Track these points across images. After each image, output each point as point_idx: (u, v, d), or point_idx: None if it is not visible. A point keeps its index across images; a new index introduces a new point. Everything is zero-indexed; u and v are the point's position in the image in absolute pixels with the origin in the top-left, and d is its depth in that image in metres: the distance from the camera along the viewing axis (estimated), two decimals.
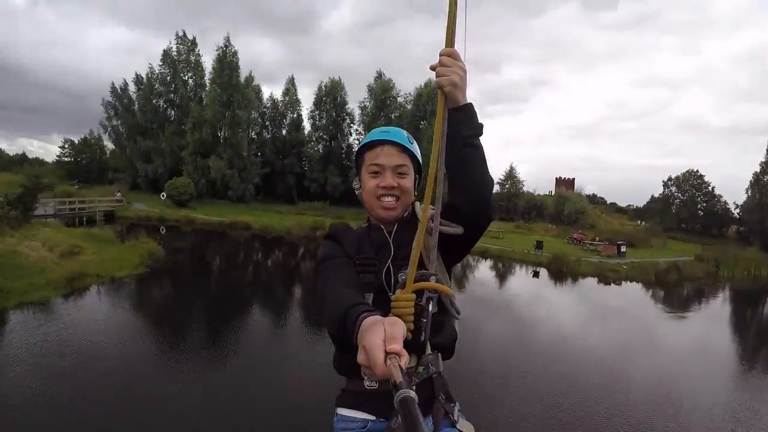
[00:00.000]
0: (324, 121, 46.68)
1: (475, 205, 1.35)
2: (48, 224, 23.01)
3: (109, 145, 51.07)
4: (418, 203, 1.48)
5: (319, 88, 46.31)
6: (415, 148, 1.51)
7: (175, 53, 44.90)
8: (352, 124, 47.68)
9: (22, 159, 76.73)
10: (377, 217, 1.52)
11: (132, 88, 46.90)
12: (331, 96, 44.86)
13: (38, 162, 71.25)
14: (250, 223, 31.68)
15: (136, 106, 46.01)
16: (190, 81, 45.63)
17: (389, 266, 1.41)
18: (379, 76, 45.07)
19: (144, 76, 45.70)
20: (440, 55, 1.28)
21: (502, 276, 22.81)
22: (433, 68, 1.29)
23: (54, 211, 28.69)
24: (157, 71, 45.26)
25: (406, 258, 1.33)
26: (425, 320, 1.29)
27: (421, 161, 1.54)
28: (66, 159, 56.82)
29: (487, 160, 1.35)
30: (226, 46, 41.72)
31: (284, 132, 47.87)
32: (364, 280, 1.38)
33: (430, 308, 1.30)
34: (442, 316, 1.39)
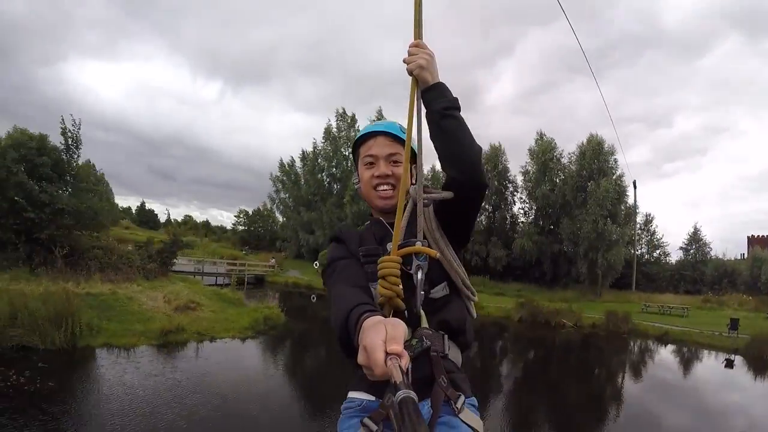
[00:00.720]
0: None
1: (464, 173, 1.47)
2: (187, 279, 24.78)
3: (280, 216, 56.60)
4: (412, 187, 1.59)
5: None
6: (418, 136, 1.58)
7: (335, 129, 48.72)
8: (515, 192, 45.19)
9: (206, 225, 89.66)
10: (376, 207, 1.70)
11: (299, 164, 52.21)
12: (491, 163, 43.20)
13: (221, 229, 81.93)
14: None
15: (302, 180, 50.44)
16: (351, 156, 48.09)
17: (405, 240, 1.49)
18: (540, 137, 42.28)
19: (310, 151, 50.49)
20: (409, 47, 1.50)
21: (684, 366, 19.16)
22: (404, 61, 1.49)
23: (201, 268, 31.04)
24: (320, 147, 49.44)
25: (407, 244, 1.45)
26: (421, 292, 1.42)
27: (415, 149, 1.61)
28: (240, 227, 63.79)
29: (468, 128, 1.48)
30: (379, 118, 43.32)
31: None
32: (369, 271, 1.48)
33: (419, 276, 1.42)
34: (453, 299, 1.57)
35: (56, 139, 18.61)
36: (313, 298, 30.41)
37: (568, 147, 42.56)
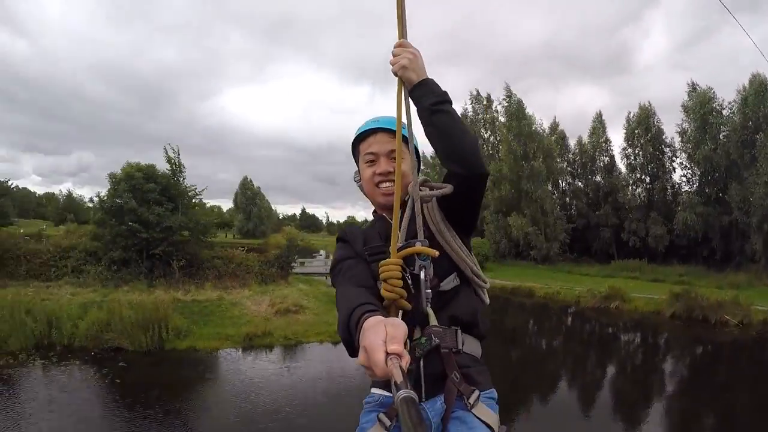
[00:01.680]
0: (640, 159, 40.97)
1: (463, 166, 1.54)
2: (311, 281, 27.41)
3: None
4: (411, 183, 1.66)
5: (628, 120, 40.98)
6: (407, 133, 1.67)
7: (471, 113, 48.61)
8: (674, 157, 39.90)
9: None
10: (379, 204, 1.80)
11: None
12: (642, 127, 38.98)
13: None
14: (534, 290, 30.17)
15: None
16: (491, 138, 48.35)
17: (398, 249, 1.56)
18: (693, 88, 36.21)
19: None
20: (393, 48, 1.59)
21: None
22: (390, 62, 1.59)
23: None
24: None
25: (412, 239, 1.55)
26: (427, 290, 1.49)
27: (417, 144, 1.80)
28: None
29: (460, 119, 1.59)
30: (509, 96, 42.68)
31: (599, 178, 44.63)
32: (375, 269, 1.53)
33: (422, 276, 1.48)
34: (463, 289, 1.66)
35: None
36: None
37: (730, 97, 35.89)
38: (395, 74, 1.57)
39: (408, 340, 1.37)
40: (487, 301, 1.75)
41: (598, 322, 22.86)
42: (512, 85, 40.72)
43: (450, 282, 1.62)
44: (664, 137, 40.59)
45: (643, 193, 42.08)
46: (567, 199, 47.63)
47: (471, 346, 1.61)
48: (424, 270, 1.49)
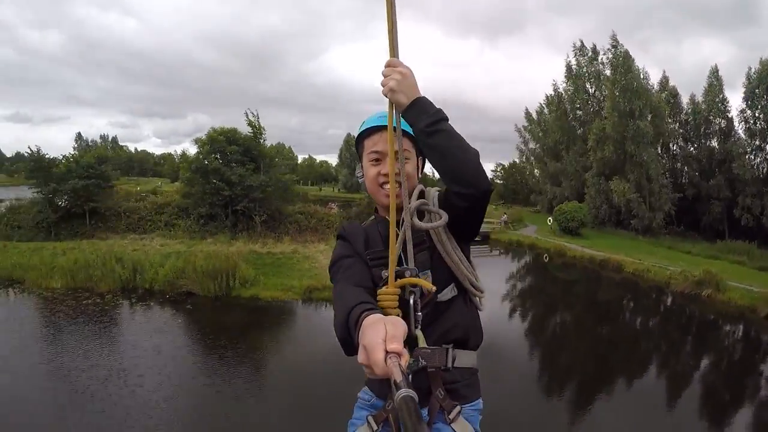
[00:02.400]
0: (761, 124, 35.37)
1: (465, 185, 1.51)
2: None
3: (535, 169, 56.94)
4: (420, 186, 1.75)
5: (747, 77, 35.43)
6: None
7: (575, 66, 45.47)
8: None
9: None
10: (381, 204, 1.77)
11: (546, 111, 50.96)
12: (764, 85, 33.76)
13: None
14: (623, 264, 27.76)
15: (547, 127, 49.70)
16: (597, 93, 44.93)
17: (401, 255, 1.61)
18: None
19: (552, 95, 48.90)
20: (383, 68, 1.54)
21: None
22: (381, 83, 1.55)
23: None
24: (561, 88, 47.40)
25: (417, 245, 1.60)
26: (417, 313, 1.52)
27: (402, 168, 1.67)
28: (498, 181, 66.38)
29: (459, 136, 1.53)
30: (614, 47, 38.81)
31: (714, 143, 39.68)
32: (377, 274, 1.60)
33: (411, 301, 1.50)
34: (460, 300, 1.69)
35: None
36: (546, 257, 30.57)
37: None
38: (385, 96, 1.53)
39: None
40: (483, 308, 1.77)
41: (683, 310, 20.84)
42: (628, 37, 36.45)
43: (447, 293, 1.64)
44: None
45: (763, 164, 36.90)
46: (677, 164, 43.04)
47: (463, 359, 1.65)
48: (413, 296, 1.51)
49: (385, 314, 1.37)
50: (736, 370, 14.11)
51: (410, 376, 1.44)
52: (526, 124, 54.62)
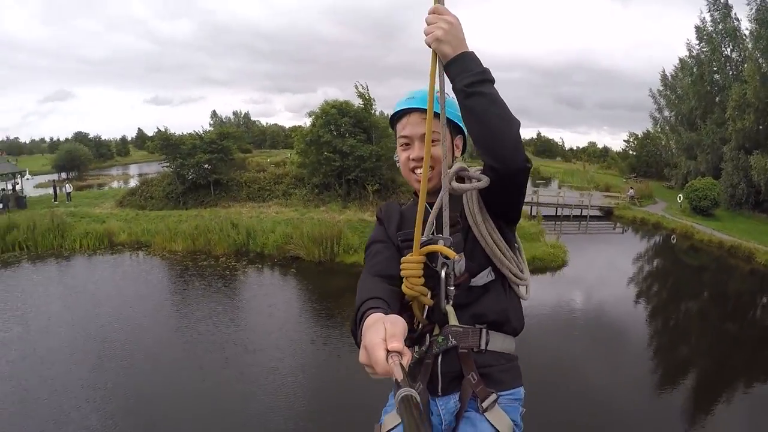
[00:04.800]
0: None
1: (499, 160, 1.36)
2: None
3: (670, 140, 51.76)
4: (460, 163, 1.59)
5: None
6: (447, 110, 1.50)
7: (710, 25, 40.38)
8: None
9: (603, 152, 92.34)
10: (415, 189, 1.69)
11: (680, 75, 46.02)
12: None
13: (622, 155, 78.50)
14: (755, 253, 23.95)
15: (683, 93, 45.05)
16: (733, 55, 39.87)
17: (432, 236, 1.51)
18: None
19: (687, 58, 44.05)
20: (427, 15, 1.41)
21: None
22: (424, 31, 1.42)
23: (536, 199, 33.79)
24: (695, 51, 42.44)
25: (449, 226, 1.47)
26: (450, 287, 1.43)
27: (458, 121, 1.59)
28: (631, 152, 62.34)
29: (502, 103, 1.36)
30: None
31: None
32: (404, 255, 1.50)
33: (443, 274, 1.41)
34: (498, 285, 1.57)
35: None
36: (673, 238, 28.24)
37: None
38: (429, 46, 1.38)
39: (428, 335, 1.50)
40: (527, 296, 1.65)
41: None
42: None
43: (483, 277, 1.53)
44: None
45: None
46: None
47: (499, 343, 1.54)
48: (445, 268, 1.41)
49: (408, 286, 1.41)
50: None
51: (440, 357, 1.49)
52: (661, 88, 49.85)
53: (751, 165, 33.76)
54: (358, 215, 22.74)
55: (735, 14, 39.10)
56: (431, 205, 1.54)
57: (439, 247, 1.40)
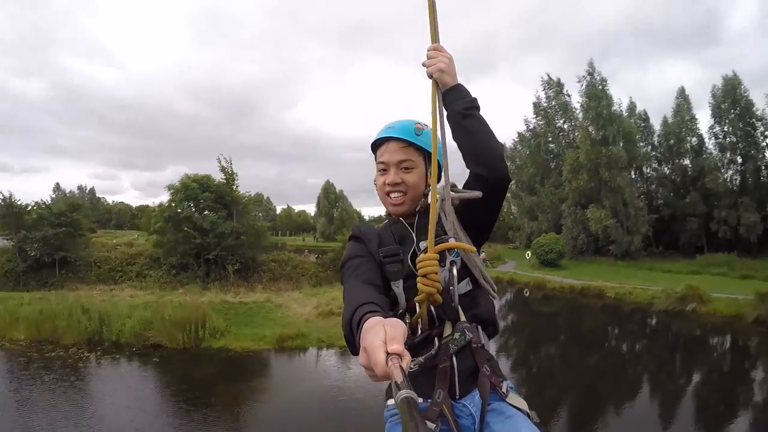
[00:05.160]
0: (730, 138, 37.76)
1: (489, 169, 1.64)
2: None
3: (513, 206, 58.09)
4: (439, 186, 1.74)
5: (713, 94, 37.78)
6: (422, 140, 1.77)
7: (544, 101, 47.63)
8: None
9: None
10: (389, 212, 1.84)
11: (519, 147, 52.92)
12: (729, 100, 36.03)
13: None
14: (604, 290, 28.29)
15: (521, 163, 51.45)
16: (565, 126, 47.17)
17: (414, 251, 1.67)
18: None
19: (525, 132, 51.01)
20: (427, 50, 1.70)
21: None
22: (424, 64, 1.70)
23: None
24: (531, 124, 49.45)
25: (441, 241, 1.61)
26: (453, 287, 1.56)
27: (431, 150, 1.74)
28: None
29: (489, 127, 1.68)
30: (590, 74, 40.29)
31: (687, 161, 41.56)
32: (391, 270, 1.63)
33: (455, 272, 1.56)
34: (476, 292, 1.69)
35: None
36: (526, 291, 30.76)
37: None
38: (430, 76, 1.67)
39: (437, 339, 1.57)
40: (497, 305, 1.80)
41: (668, 328, 21.11)
42: (599, 64, 38.19)
43: (463, 286, 1.66)
44: (755, 110, 37.21)
45: (735, 176, 38.94)
46: (652, 186, 44.80)
47: (487, 343, 1.68)
48: (455, 266, 1.56)
49: (425, 283, 1.47)
50: (729, 379, 14.22)
51: (456, 352, 1.55)
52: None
53: (588, 217, 39.20)
54: (220, 296, 21.39)
55: (567, 91, 45.86)
56: (411, 225, 1.75)
57: (456, 243, 1.58)
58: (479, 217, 1.72)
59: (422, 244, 1.63)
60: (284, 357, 16.31)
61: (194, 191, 23.61)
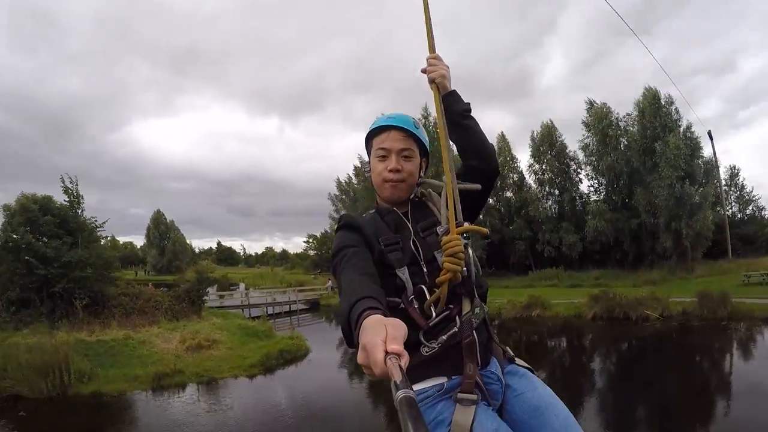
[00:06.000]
0: (548, 174, 44.58)
1: (485, 161, 1.89)
2: (227, 315, 26.96)
3: None
4: (429, 180, 1.97)
5: (532, 138, 44.86)
6: (421, 133, 1.90)
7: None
8: (579, 170, 44.19)
9: (283, 255, 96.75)
10: (385, 197, 1.91)
11: (355, 180, 55.33)
12: (546, 143, 43.05)
13: (300, 256, 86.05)
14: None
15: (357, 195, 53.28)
16: None
17: (414, 240, 1.76)
18: (591, 105, 40.86)
19: (359, 166, 53.27)
20: (427, 59, 1.89)
21: None
22: (424, 71, 1.90)
23: (247, 301, 33.50)
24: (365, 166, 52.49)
25: (426, 230, 1.78)
26: (471, 265, 1.69)
27: (427, 146, 1.95)
28: (312, 252, 68.11)
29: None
30: (425, 117, 43.80)
31: (510, 194, 47.26)
32: (393, 257, 1.69)
33: (470, 251, 1.69)
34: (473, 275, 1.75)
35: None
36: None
37: (626, 110, 41.55)
38: (432, 82, 1.85)
39: (458, 317, 1.65)
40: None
41: (522, 331, 23.62)
42: (421, 112, 41.97)
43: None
44: (568, 151, 44.26)
45: (554, 205, 45.21)
46: (480, 217, 49.22)
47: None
48: (469, 246, 1.68)
49: (453, 262, 1.58)
50: (583, 361, 17.75)
51: (475, 325, 1.65)
52: (337, 193, 57.52)
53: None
54: (74, 335, 18.70)
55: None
56: (405, 214, 1.86)
57: (474, 227, 1.76)
58: (472, 206, 1.90)
59: (440, 229, 1.73)
60: (164, 396, 14.95)
61: (35, 214, 20.41)
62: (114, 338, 18.91)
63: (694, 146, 35.50)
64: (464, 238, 1.67)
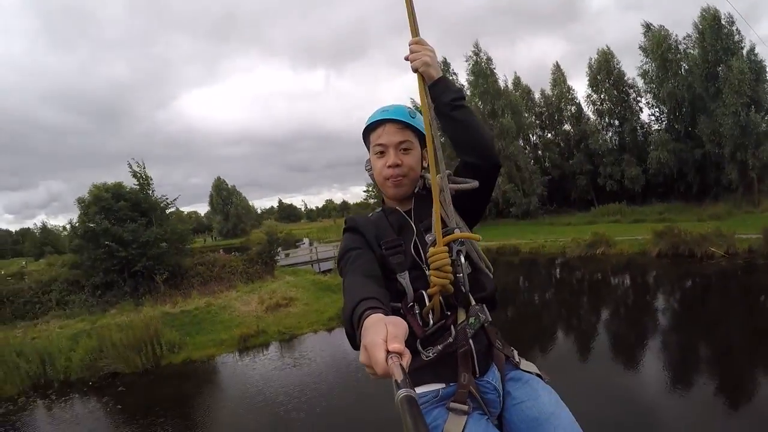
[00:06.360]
0: (607, 104, 42.39)
1: (481, 157, 1.70)
2: (298, 272, 27.58)
3: None
4: (428, 175, 1.81)
5: (589, 66, 42.21)
6: (417, 122, 1.81)
7: None
8: (639, 99, 41.51)
9: (344, 206, 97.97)
10: (389, 195, 1.86)
11: None
12: (604, 71, 40.42)
13: (361, 206, 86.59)
14: (519, 246, 30.68)
15: None
16: None
17: (416, 242, 1.71)
18: (648, 28, 37.36)
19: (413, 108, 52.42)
20: (409, 44, 1.71)
21: None
22: (407, 58, 1.71)
23: (315, 256, 34.01)
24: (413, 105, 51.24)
25: (428, 230, 1.68)
26: (461, 275, 1.61)
27: (425, 132, 1.76)
28: (372, 200, 68.50)
29: (477, 117, 1.74)
30: (476, 53, 42.44)
31: (568, 127, 45.99)
32: (395, 261, 1.65)
33: (462, 260, 1.62)
34: (477, 274, 1.76)
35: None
36: None
37: (686, 30, 38.51)
38: (415, 71, 1.69)
39: (453, 326, 1.60)
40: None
41: (586, 269, 23.31)
42: (466, 47, 40.66)
43: (465, 269, 1.69)
44: (626, 79, 41.80)
45: (614, 136, 43.26)
46: (539, 152, 48.61)
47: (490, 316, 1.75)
48: (461, 255, 1.62)
49: (438, 276, 1.53)
50: (648, 301, 17.21)
51: (472, 334, 1.61)
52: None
53: None
54: (159, 309, 19.77)
55: (452, 69, 47.21)
56: (407, 213, 1.80)
57: (463, 234, 1.65)
58: (473, 204, 1.79)
59: (429, 237, 1.66)
60: (249, 356, 15.61)
61: (108, 201, 21.47)
62: (196, 307, 19.88)
63: (759, 70, 32.33)
64: (459, 243, 1.63)
